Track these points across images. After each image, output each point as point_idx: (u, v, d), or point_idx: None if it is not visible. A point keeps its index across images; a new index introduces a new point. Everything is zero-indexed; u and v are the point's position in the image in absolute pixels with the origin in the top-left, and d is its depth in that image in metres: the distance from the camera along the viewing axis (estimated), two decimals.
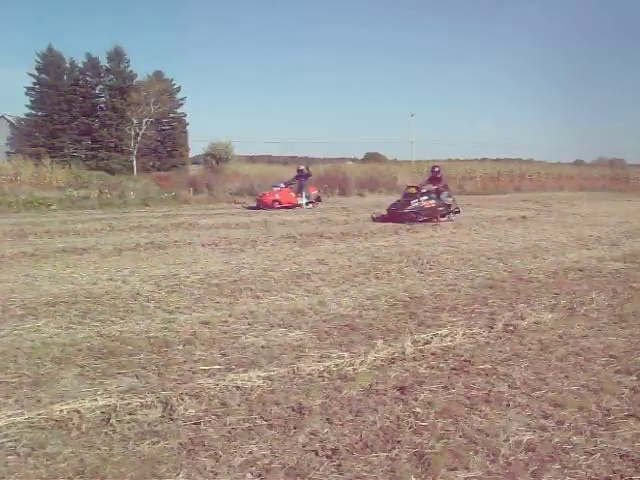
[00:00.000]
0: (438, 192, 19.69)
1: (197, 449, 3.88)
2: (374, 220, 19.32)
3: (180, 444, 3.95)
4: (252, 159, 64.62)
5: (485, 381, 5.08)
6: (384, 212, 19.86)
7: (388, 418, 4.32)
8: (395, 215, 19.00)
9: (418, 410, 4.44)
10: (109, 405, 4.50)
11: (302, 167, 26.24)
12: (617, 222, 19.17)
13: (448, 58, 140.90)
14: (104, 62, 55.98)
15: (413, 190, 19.81)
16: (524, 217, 20.48)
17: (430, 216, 19.09)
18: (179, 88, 58.60)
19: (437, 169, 20.68)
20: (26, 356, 5.71)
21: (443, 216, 19.54)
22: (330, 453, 3.81)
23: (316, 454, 3.80)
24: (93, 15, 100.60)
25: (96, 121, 55.05)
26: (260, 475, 3.58)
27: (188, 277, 9.48)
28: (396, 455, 3.78)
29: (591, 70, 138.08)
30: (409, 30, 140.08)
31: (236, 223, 18.13)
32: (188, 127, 60.34)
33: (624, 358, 5.68)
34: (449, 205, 19.94)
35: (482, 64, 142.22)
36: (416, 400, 4.64)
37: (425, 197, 19.34)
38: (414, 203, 19.10)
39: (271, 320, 7.03)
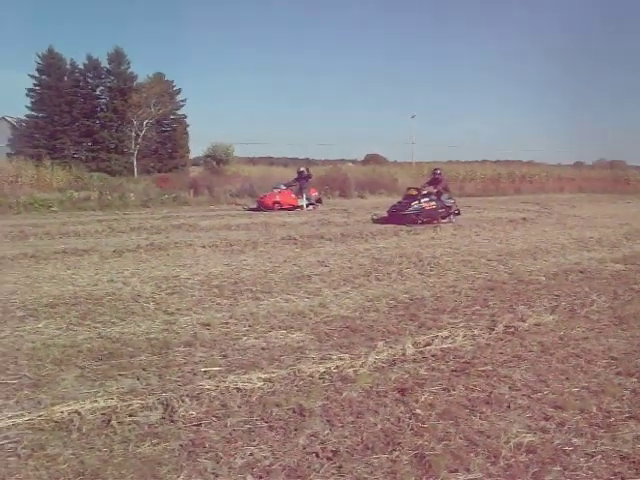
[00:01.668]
0: (439, 194, 19.71)
1: (198, 451, 3.88)
2: (374, 222, 19.33)
3: (181, 446, 3.95)
4: (252, 160, 64.56)
5: (486, 383, 5.08)
6: (384, 214, 19.88)
7: (389, 420, 4.32)
8: (395, 217, 19.01)
9: (419, 412, 4.44)
10: (109, 407, 4.50)
11: (303, 169, 26.25)
12: (617, 224, 19.16)
13: (449, 60, 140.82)
14: (105, 64, 55.98)
15: (414, 192, 19.84)
16: (524, 219, 20.49)
17: (431, 218, 19.10)
18: (179, 90, 58.60)
19: (438, 171, 20.72)
20: (26, 357, 5.71)
21: (444, 218, 19.55)
22: (331, 455, 3.81)
23: (317, 456, 3.80)
24: (94, 17, 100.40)
25: (97, 122, 54.97)
26: (261, 477, 3.58)
27: (189, 279, 9.48)
28: (397, 457, 3.78)
29: (591, 71, 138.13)
30: (410, 32, 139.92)
31: (236, 225, 18.12)
32: (189, 128, 60.32)
33: (625, 360, 5.68)
34: (449, 207, 19.95)
35: (482, 66, 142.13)
36: (417, 402, 4.64)
37: (426, 199, 19.35)
38: (415, 205, 19.11)
39: (271, 322, 7.03)
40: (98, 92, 56.72)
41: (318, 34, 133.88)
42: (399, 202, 20.14)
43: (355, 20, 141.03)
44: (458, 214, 20.29)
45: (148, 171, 50.90)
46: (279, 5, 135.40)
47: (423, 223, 18.61)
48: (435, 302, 8.07)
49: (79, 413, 4.38)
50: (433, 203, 19.38)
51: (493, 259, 11.68)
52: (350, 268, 10.60)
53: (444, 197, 19.87)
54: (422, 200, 19.27)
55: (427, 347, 6.00)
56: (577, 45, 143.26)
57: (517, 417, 4.39)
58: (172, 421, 4.32)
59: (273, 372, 5.27)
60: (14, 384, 5.04)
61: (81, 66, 55.80)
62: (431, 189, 19.93)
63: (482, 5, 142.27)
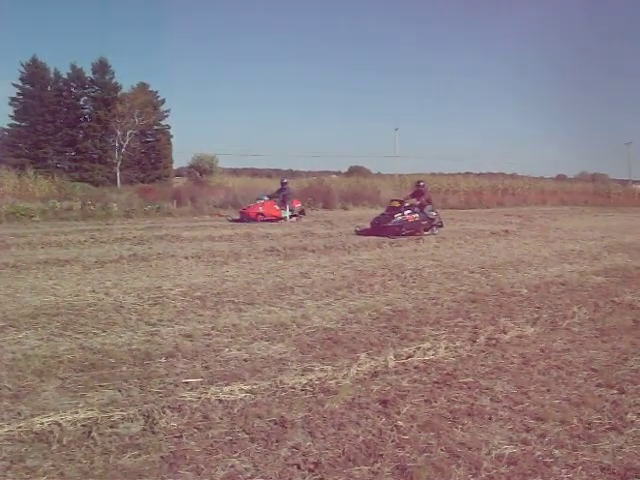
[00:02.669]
0: (422, 206, 19.78)
1: (179, 462, 3.86)
2: (357, 233, 19.36)
3: (162, 457, 3.93)
4: (236, 172, 64.62)
5: (467, 395, 5.09)
6: (367, 225, 19.92)
7: (370, 431, 4.32)
8: (378, 228, 19.04)
9: (400, 423, 4.45)
10: (90, 418, 4.47)
11: (286, 180, 26.30)
12: (599, 237, 19.30)
13: (432, 72, 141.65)
14: (89, 73, 55.96)
15: (396, 204, 19.89)
16: (507, 231, 20.56)
17: (413, 230, 19.14)
18: (163, 100, 58.67)
19: (422, 184, 20.85)
20: (7, 368, 5.66)
21: (426, 230, 19.61)
22: (312, 467, 3.80)
23: (298, 467, 3.79)
24: (78, 27, 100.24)
25: (80, 132, 54.87)
26: None
27: (171, 290, 9.45)
28: (378, 468, 3.77)
29: (575, 86, 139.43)
30: (394, 44, 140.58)
31: (219, 236, 18.09)
32: (172, 139, 60.26)
33: (605, 372, 5.72)
34: (432, 219, 20.02)
35: (465, 79, 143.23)
36: (398, 413, 4.64)
37: (408, 211, 19.40)
38: (398, 217, 19.14)
39: (254, 333, 7.01)
40: (82, 102, 56.74)
41: (302, 45, 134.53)
42: (382, 214, 20.18)
43: (339, 30, 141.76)
44: (441, 226, 20.37)
45: (131, 181, 50.83)
46: (262, 16, 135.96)
47: (406, 235, 18.64)
48: (417, 314, 8.09)
49: (59, 424, 4.35)
50: (416, 215, 19.43)
51: (475, 271, 11.73)
52: (333, 280, 10.61)
53: (427, 209, 19.94)
54: (405, 212, 19.31)
55: (409, 359, 6.01)
56: (560, 60, 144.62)
57: (498, 429, 4.40)
58: (153, 432, 4.30)
59: (255, 383, 5.26)
60: None
61: (65, 76, 55.85)
62: (414, 201, 20.03)
63: (467, 19, 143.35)
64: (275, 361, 5.99)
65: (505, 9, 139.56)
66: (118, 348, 6.34)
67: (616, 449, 4.08)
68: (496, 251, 15.18)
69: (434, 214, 20.23)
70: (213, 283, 10.14)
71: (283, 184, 25.57)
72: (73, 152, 54.72)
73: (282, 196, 25.03)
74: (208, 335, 6.90)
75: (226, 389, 5.10)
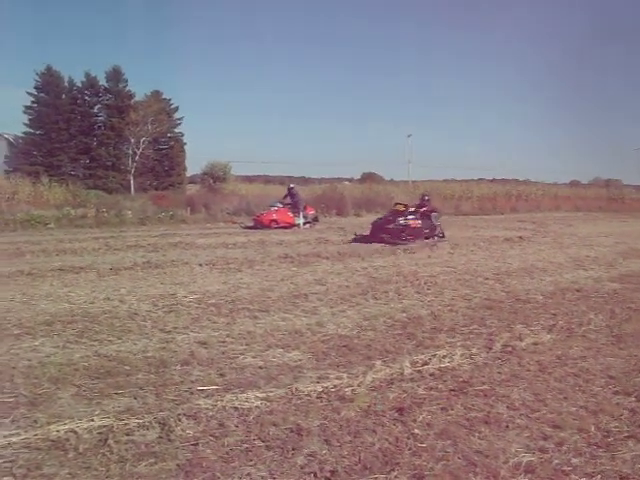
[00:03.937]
0: (426, 213, 19.64)
1: (195, 470, 3.85)
2: (354, 240, 19.11)
3: (177, 465, 3.92)
4: (249, 179, 64.74)
5: (484, 402, 5.06)
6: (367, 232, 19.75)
7: (387, 439, 4.30)
8: (379, 230, 18.83)
9: (417, 431, 4.42)
10: (106, 425, 4.47)
11: (292, 185, 26.35)
12: (614, 243, 19.18)
13: (445, 79, 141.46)
14: (103, 82, 56.20)
15: (401, 207, 19.72)
16: (521, 237, 20.49)
17: (414, 236, 18.76)
18: (177, 108, 58.82)
19: (427, 197, 21.05)
20: (23, 376, 5.68)
21: (427, 238, 19.32)
22: (329, 475, 3.78)
23: (315, 476, 3.78)
24: (92, 35, 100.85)
25: (94, 140, 55.08)
26: None
27: (185, 297, 9.46)
28: (395, 477, 3.75)
29: (588, 90, 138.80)
30: (407, 51, 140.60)
31: (233, 243, 18.11)
32: (185, 147, 60.38)
33: (623, 379, 5.67)
34: (435, 227, 19.80)
35: (479, 85, 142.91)
36: (415, 421, 4.62)
37: (412, 216, 19.20)
38: (400, 220, 18.87)
39: (269, 340, 7.00)
40: (96, 110, 56.89)
41: (317, 52, 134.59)
42: (384, 216, 20.12)
43: (353, 37, 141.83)
44: (442, 236, 19.92)
45: (145, 189, 50.93)
46: (275, 23, 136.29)
47: (406, 240, 18.36)
48: (432, 321, 8.06)
49: (75, 432, 4.36)
50: (419, 222, 19.20)
51: (490, 278, 11.68)
52: (347, 287, 10.59)
53: (434, 216, 19.79)
54: (408, 217, 19.09)
55: (425, 366, 5.99)
56: (573, 64, 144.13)
57: (516, 437, 4.37)
58: (169, 440, 4.29)
59: (270, 391, 5.25)
60: (10, 402, 5.01)
61: (79, 84, 56.01)
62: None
63: (480, 26, 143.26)
64: (290, 368, 5.98)
65: (524, 19, 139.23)
66: (133, 355, 6.35)
67: (635, 457, 4.04)
68: (510, 257, 15.11)
69: (438, 223, 20.04)
70: (227, 290, 10.14)
71: (290, 189, 25.60)
72: (87, 160, 54.92)
73: (294, 202, 25.06)
74: (223, 342, 6.90)
75: (242, 396, 5.09)
